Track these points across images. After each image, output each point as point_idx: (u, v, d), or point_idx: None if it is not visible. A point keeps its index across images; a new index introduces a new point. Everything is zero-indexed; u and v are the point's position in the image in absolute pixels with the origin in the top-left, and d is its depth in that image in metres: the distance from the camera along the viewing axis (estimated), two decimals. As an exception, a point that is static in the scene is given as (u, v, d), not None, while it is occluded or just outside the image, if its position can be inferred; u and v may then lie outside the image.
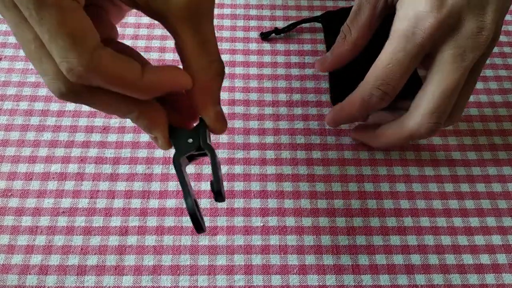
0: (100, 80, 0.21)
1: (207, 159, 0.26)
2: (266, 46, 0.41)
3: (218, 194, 0.25)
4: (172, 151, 0.26)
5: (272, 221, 0.33)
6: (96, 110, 0.24)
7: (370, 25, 0.33)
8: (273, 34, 0.42)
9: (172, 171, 0.35)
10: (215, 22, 0.42)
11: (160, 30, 0.41)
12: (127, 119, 0.25)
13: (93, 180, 0.34)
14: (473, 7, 0.28)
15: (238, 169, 0.35)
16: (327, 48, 0.40)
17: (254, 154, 0.36)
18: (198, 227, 0.25)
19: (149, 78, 0.22)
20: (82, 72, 0.20)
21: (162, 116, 0.25)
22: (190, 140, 0.26)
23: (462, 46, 0.28)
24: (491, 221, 0.34)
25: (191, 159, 0.27)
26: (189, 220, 0.33)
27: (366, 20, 0.33)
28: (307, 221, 0.33)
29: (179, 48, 0.24)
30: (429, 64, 0.30)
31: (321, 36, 0.42)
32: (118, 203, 0.33)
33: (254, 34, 0.42)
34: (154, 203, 0.34)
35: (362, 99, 0.31)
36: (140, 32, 0.41)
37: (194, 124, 0.26)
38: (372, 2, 0.32)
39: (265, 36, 0.41)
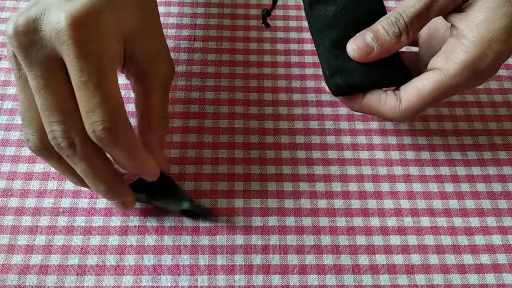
0: (121, 143, 0.25)
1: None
2: (267, 46, 0.41)
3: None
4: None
5: (272, 220, 0.33)
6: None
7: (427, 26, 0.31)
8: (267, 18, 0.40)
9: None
10: (215, 21, 0.42)
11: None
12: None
13: (93, 180, 0.34)
14: None
15: (238, 168, 0.35)
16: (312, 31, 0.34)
17: (254, 154, 0.36)
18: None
19: (144, 156, 0.28)
20: (115, 132, 0.24)
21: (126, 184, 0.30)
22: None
23: None
24: (491, 221, 0.34)
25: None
26: (189, 220, 0.33)
27: (426, 23, 0.30)
28: (307, 221, 0.33)
29: (143, 102, 0.29)
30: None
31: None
32: (118, 203, 0.33)
33: (254, 34, 0.42)
34: (154, 203, 0.34)
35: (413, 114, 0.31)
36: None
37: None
38: (442, 9, 0.29)
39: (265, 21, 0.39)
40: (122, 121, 0.25)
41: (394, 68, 0.32)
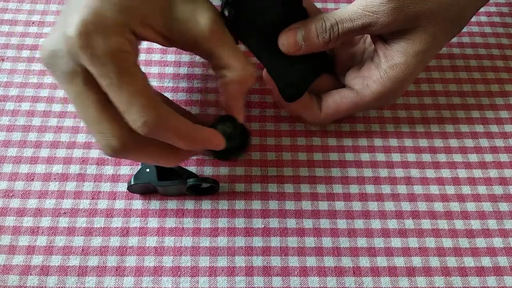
0: (165, 132, 0.25)
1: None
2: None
3: None
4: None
5: (273, 222, 0.33)
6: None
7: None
8: None
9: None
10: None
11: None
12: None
13: (94, 181, 0.34)
14: None
15: (239, 170, 0.35)
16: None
17: (255, 155, 0.36)
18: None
19: (199, 133, 0.27)
20: (155, 124, 0.24)
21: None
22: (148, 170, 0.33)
23: None
24: (492, 224, 0.34)
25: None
26: (190, 221, 0.33)
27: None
28: (308, 223, 0.33)
29: (216, 65, 0.29)
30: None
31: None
32: (119, 204, 0.33)
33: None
34: (155, 204, 0.34)
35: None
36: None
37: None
38: (373, 32, 0.32)
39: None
40: (160, 111, 0.25)
41: (319, 60, 0.34)
